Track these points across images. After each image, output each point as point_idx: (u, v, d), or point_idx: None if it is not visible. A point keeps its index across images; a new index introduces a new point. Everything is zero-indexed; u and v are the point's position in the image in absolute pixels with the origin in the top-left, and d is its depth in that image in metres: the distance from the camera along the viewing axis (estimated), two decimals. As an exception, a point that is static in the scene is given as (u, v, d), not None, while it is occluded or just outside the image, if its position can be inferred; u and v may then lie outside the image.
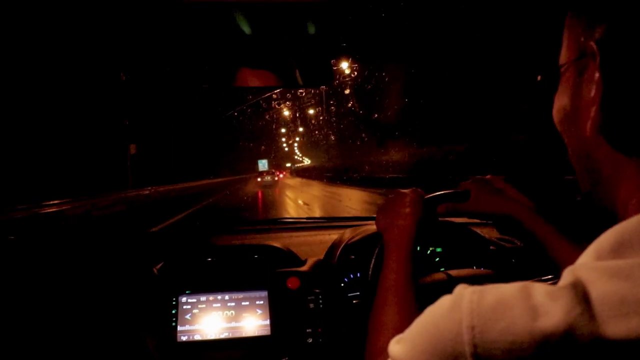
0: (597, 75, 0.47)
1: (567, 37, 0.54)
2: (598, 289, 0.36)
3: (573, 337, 0.34)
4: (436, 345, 0.42)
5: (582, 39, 0.50)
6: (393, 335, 0.52)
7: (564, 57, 0.55)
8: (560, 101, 0.55)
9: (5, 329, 1.11)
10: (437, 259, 1.26)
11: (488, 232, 1.33)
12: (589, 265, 0.39)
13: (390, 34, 1.27)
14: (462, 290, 0.43)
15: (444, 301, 0.45)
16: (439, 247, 1.27)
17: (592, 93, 0.48)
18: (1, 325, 1.11)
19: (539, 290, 0.39)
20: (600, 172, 0.51)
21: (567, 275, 0.39)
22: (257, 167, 40.84)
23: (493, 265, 1.22)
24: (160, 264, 1.23)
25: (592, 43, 0.47)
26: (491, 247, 1.26)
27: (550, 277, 0.91)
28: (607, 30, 0.46)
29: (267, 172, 31.60)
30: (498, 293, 0.40)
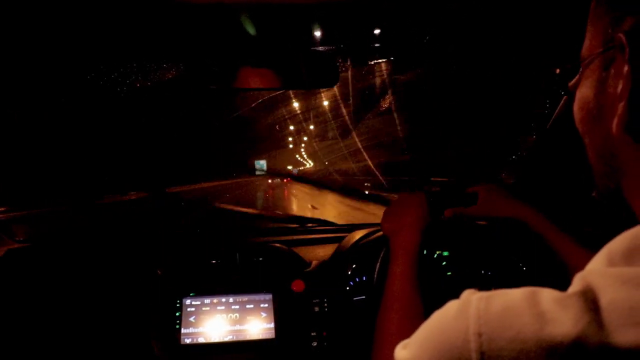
0: (625, 68, 0.44)
1: (591, 27, 0.51)
2: (608, 296, 0.35)
3: (582, 346, 0.33)
4: (442, 351, 0.41)
5: (610, 30, 0.46)
6: (399, 341, 0.51)
7: (587, 48, 0.51)
8: (583, 97, 0.52)
9: (11, 330, 1.11)
10: (444, 263, 1.25)
11: (493, 236, 1.31)
12: (600, 271, 0.38)
13: (396, 35, 1.26)
14: (469, 296, 0.42)
15: (451, 307, 0.44)
16: (445, 250, 1.25)
17: (620, 88, 0.45)
18: (7, 327, 1.11)
19: (546, 296, 0.38)
20: (625, 172, 0.48)
21: (577, 282, 0.38)
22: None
23: (500, 269, 1.21)
24: (164, 266, 1.23)
25: (620, 34, 0.44)
26: (498, 251, 1.24)
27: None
28: (637, 21, 0.43)
29: (275, 175, 32.73)
30: (505, 299, 0.39)
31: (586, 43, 0.52)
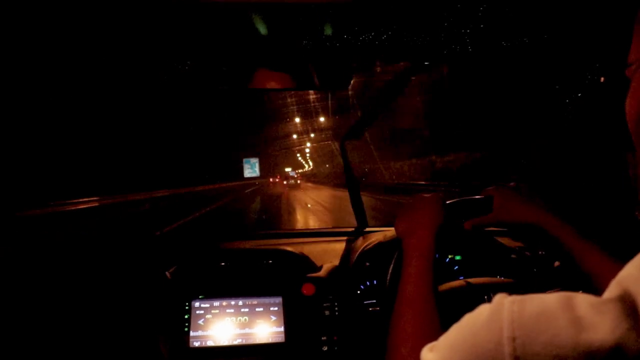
0: None
1: (638, 34, 0.51)
2: None
3: (621, 352, 0.33)
4: (474, 355, 0.40)
5: None
6: (414, 345, 0.50)
7: (634, 53, 0.51)
8: (633, 102, 0.51)
9: (17, 331, 1.10)
10: (456, 267, 1.23)
11: (507, 240, 1.29)
12: (637, 277, 0.37)
13: (408, 37, 1.25)
14: (502, 300, 0.41)
15: (483, 310, 0.43)
16: (458, 254, 1.23)
17: None
18: (12, 328, 1.11)
19: (582, 301, 0.37)
20: None
21: (613, 288, 0.38)
22: (243, 171, 26.39)
23: (514, 274, 1.18)
24: (173, 268, 1.22)
25: None
26: (512, 256, 1.22)
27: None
28: None
29: (290, 176, 32.48)
30: (539, 303, 0.39)
31: (633, 49, 0.52)
